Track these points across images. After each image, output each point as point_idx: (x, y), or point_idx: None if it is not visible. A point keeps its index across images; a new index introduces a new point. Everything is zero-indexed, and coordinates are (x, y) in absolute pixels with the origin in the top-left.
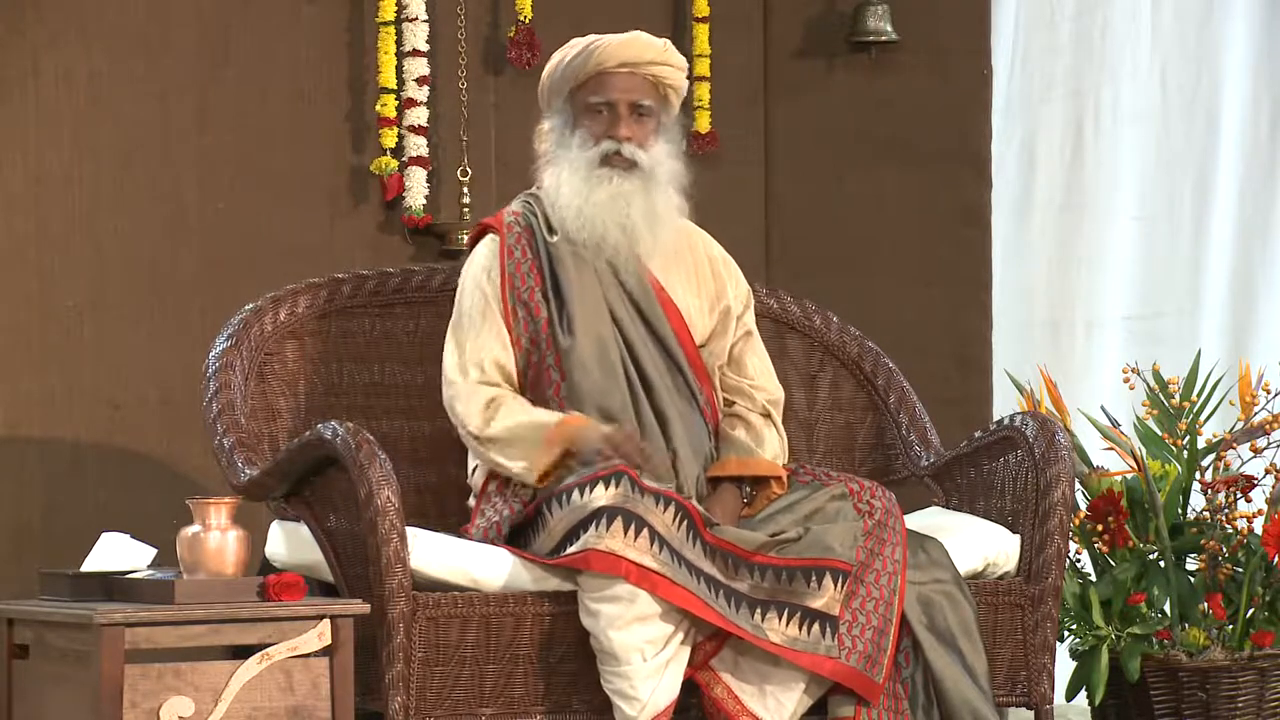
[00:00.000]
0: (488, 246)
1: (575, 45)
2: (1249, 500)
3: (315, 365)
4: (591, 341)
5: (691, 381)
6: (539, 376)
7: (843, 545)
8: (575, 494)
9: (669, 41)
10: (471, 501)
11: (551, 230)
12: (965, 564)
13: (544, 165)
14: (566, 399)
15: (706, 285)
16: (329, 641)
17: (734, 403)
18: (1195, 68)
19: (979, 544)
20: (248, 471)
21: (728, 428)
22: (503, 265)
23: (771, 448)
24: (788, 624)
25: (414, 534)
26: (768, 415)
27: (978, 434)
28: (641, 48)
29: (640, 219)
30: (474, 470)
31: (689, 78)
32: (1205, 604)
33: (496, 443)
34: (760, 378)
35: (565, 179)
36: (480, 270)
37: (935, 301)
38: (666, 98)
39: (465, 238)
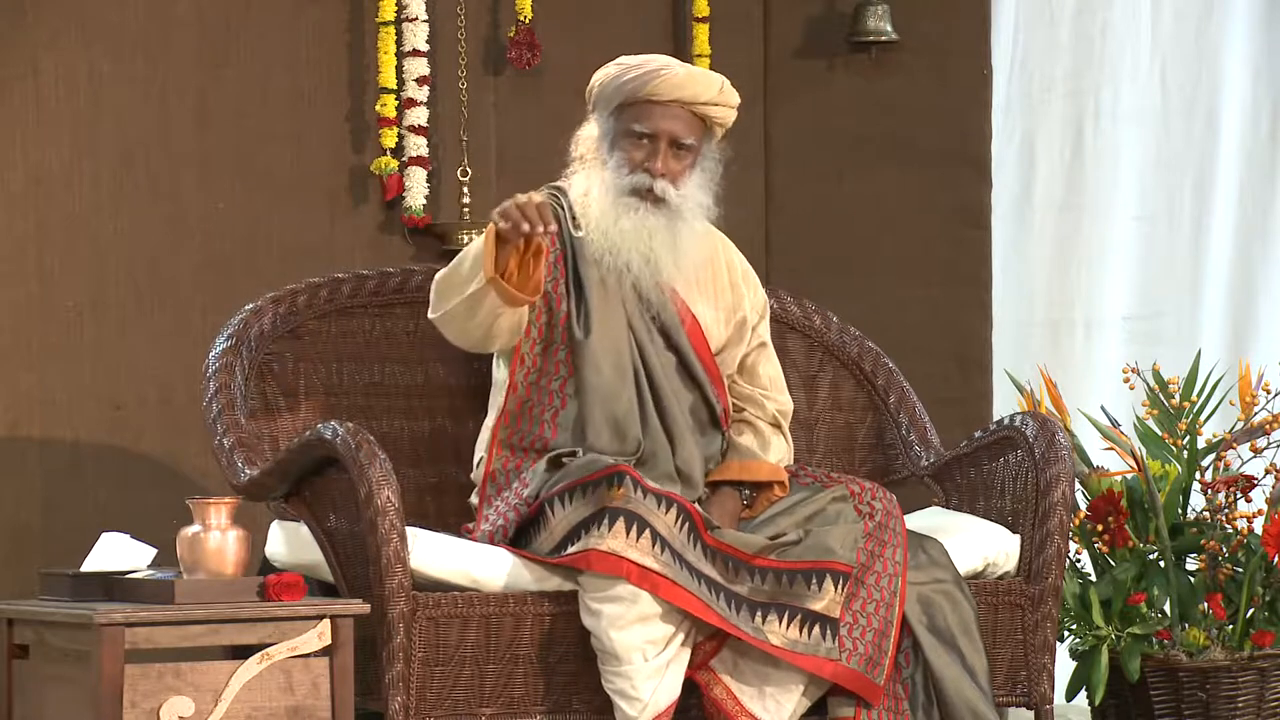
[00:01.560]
0: None
1: (637, 65)
2: (1249, 500)
3: (315, 365)
4: (607, 341)
5: (709, 391)
6: (544, 366)
7: (843, 547)
8: (577, 494)
9: (726, 80)
10: (474, 499)
11: (576, 225)
12: (965, 564)
13: (577, 167)
14: (573, 394)
15: (724, 295)
16: (329, 641)
17: (744, 410)
18: (1195, 68)
19: (979, 544)
20: (248, 471)
21: (734, 434)
22: None
23: (778, 453)
24: (788, 626)
25: (414, 534)
26: (777, 425)
27: (978, 434)
28: (699, 88)
29: (662, 250)
30: (477, 464)
31: None
32: (1205, 604)
33: (438, 292)
34: (773, 388)
35: (595, 196)
36: None
37: (935, 301)
38: (712, 130)
39: (465, 238)
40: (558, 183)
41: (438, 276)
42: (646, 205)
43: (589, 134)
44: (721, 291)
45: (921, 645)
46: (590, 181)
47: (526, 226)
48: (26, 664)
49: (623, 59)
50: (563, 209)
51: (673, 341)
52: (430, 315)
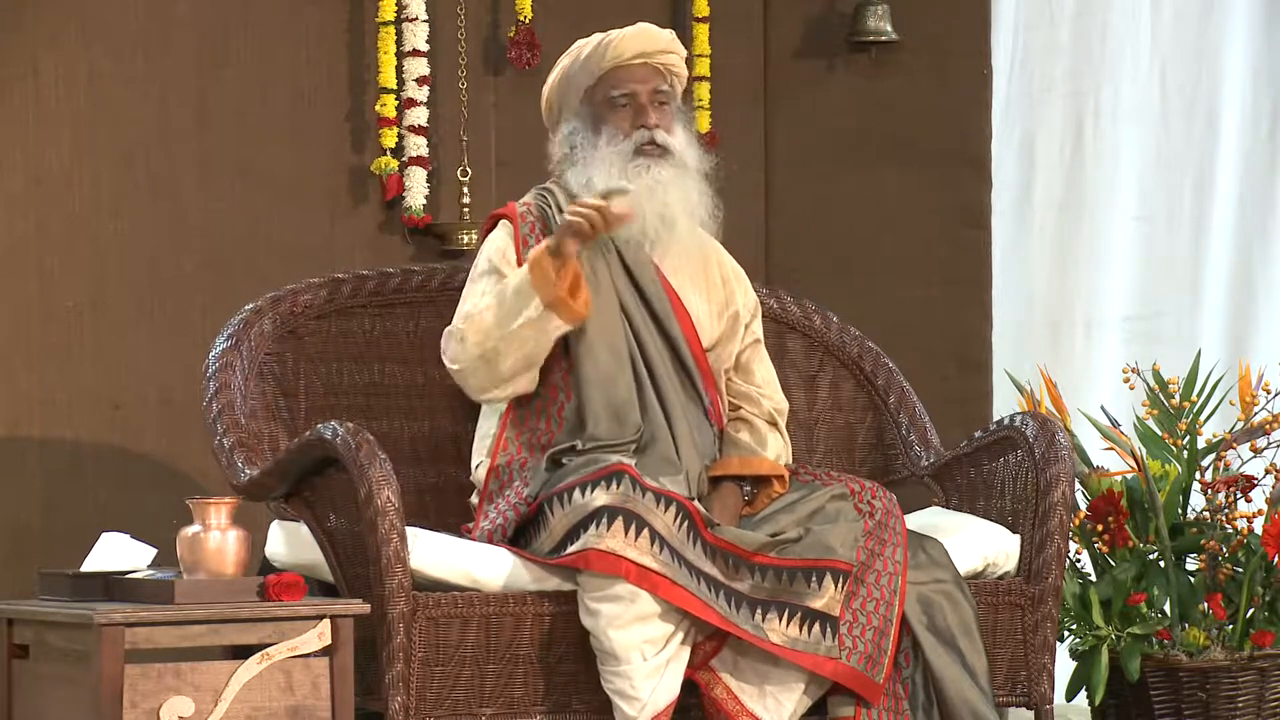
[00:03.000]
0: (505, 229)
1: (586, 44)
2: (1249, 500)
3: (315, 365)
4: (602, 329)
5: (698, 383)
6: (546, 361)
7: (843, 545)
8: (576, 494)
9: (670, 31)
10: (474, 499)
11: None
12: (965, 564)
13: (565, 168)
14: (572, 385)
15: (716, 291)
16: (329, 641)
17: (740, 407)
18: (1195, 68)
19: (979, 544)
20: (248, 471)
21: (732, 430)
22: (518, 249)
23: (774, 450)
24: (788, 624)
25: (414, 534)
26: (773, 423)
27: (978, 434)
28: (653, 38)
29: (677, 205)
30: (476, 467)
31: (689, 77)
32: (1205, 604)
33: (468, 338)
34: (767, 386)
35: (599, 177)
36: (497, 250)
37: (935, 301)
38: (673, 85)
39: (465, 238)
40: (545, 184)
41: (462, 326)
42: (654, 160)
43: (568, 133)
44: (713, 286)
45: (921, 645)
46: (588, 168)
47: (602, 224)
48: (26, 664)
49: (565, 55)
50: (550, 208)
51: (667, 332)
52: (454, 364)
